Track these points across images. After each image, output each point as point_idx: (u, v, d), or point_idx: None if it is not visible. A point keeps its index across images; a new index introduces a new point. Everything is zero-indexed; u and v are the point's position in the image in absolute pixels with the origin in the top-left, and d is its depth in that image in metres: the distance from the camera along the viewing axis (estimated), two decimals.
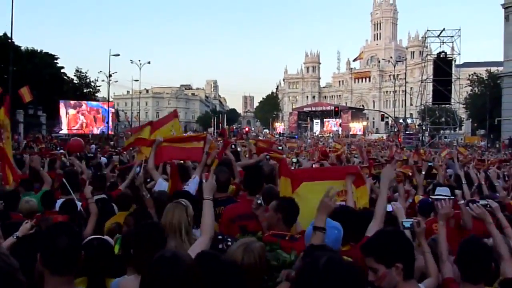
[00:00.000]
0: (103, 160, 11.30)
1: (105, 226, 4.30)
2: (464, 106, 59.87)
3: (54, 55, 48.12)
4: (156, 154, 5.69)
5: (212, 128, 76.69)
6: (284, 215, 3.20)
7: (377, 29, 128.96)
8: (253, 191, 3.99)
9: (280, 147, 10.64)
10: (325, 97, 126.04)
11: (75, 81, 54.65)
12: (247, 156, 8.14)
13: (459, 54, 44.49)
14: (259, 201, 3.31)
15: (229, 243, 2.93)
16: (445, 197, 5.07)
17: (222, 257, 2.42)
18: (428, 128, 48.90)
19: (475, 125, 62.40)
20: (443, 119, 49.08)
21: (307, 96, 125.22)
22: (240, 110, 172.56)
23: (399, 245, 2.37)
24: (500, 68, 43.04)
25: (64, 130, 42.13)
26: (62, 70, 49.05)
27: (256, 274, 2.51)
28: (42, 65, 42.27)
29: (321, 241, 2.72)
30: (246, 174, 4.42)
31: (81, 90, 55.20)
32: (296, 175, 4.34)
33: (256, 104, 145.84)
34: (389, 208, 3.85)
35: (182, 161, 6.36)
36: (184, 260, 1.96)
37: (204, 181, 3.03)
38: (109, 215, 4.67)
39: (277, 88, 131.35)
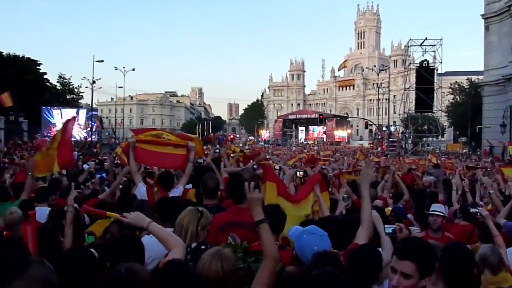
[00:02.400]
0: (85, 167, 11.13)
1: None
2: (446, 114, 60.78)
3: (37, 60, 47.39)
4: (135, 155, 5.51)
5: (197, 135, 76.21)
6: (271, 222, 3.18)
7: (361, 38, 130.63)
8: (238, 199, 3.76)
9: (267, 156, 10.70)
10: (310, 104, 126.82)
11: (58, 87, 53.98)
12: (234, 164, 8.10)
13: (441, 63, 45.16)
14: None
15: None
16: (440, 213, 4.99)
17: (190, 268, 2.36)
18: (411, 136, 49.43)
19: (457, 132, 63.34)
20: (425, 127, 49.67)
21: (292, 104, 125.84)
22: (225, 117, 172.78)
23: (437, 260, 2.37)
24: (481, 77, 43.89)
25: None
26: (45, 76, 48.34)
27: (235, 281, 2.45)
28: (24, 70, 41.60)
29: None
30: (229, 182, 4.40)
31: (64, 96, 54.57)
32: (280, 184, 4.38)
33: (241, 111, 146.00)
34: None
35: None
36: (139, 275, 1.98)
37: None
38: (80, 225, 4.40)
39: (262, 96, 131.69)
